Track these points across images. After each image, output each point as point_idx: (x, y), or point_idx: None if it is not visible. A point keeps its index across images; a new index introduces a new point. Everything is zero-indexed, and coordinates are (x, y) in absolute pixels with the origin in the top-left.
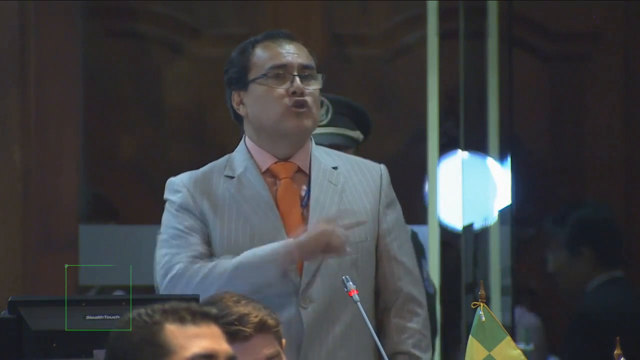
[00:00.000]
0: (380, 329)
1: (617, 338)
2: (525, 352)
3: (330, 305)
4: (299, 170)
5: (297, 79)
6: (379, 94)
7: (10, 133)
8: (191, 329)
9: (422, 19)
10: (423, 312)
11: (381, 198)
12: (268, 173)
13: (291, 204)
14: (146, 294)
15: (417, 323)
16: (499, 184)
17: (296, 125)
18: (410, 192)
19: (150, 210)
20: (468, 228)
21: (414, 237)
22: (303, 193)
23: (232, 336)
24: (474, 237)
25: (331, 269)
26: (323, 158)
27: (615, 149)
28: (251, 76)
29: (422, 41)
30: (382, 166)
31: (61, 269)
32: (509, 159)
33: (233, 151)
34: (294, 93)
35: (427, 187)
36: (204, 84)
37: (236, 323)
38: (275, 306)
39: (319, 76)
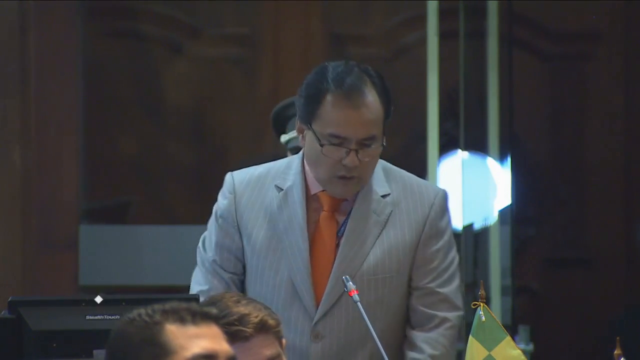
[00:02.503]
0: (406, 342)
1: (617, 338)
2: (525, 352)
3: (345, 342)
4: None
5: (353, 153)
6: None
7: (10, 133)
8: (191, 329)
9: (422, 19)
10: (454, 331)
11: (424, 230)
12: (315, 197)
13: (326, 236)
14: (146, 294)
15: (445, 337)
16: (499, 184)
17: (341, 192)
18: None
19: (151, 210)
20: (468, 228)
21: None
22: (342, 220)
23: (232, 336)
24: (474, 237)
25: (351, 308)
26: (376, 183)
27: (615, 149)
28: (314, 125)
29: (422, 41)
30: (439, 194)
31: (61, 269)
32: (509, 159)
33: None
34: (345, 165)
35: None
36: (204, 84)
37: (236, 323)
38: (292, 334)
39: (382, 138)
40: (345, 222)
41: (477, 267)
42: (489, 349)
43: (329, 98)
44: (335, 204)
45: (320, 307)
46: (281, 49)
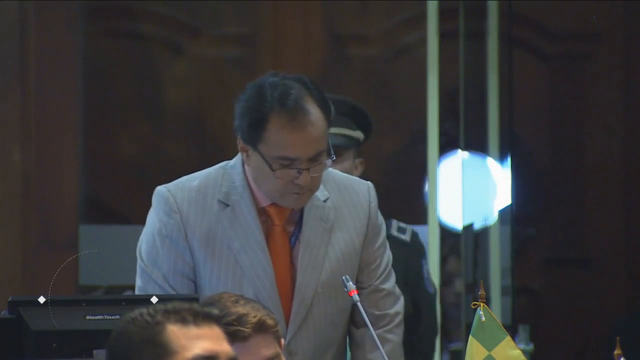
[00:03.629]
0: (353, 341)
1: (617, 338)
2: (525, 352)
3: (315, 350)
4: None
5: (305, 172)
6: (379, 94)
7: (10, 133)
8: (193, 330)
9: (422, 19)
10: (402, 324)
11: (367, 232)
12: (262, 211)
13: (281, 250)
14: (146, 294)
15: (395, 334)
16: (499, 184)
17: (295, 204)
18: (410, 192)
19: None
20: (468, 228)
21: (414, 237)
22: (291, 230)
23: (231, 336)
24: (474, 237)
25: (317, 319)
26: None
27: (615, 149)
28: (261, 148)
29: (422, 41)
30: (370, 189)
31: (61, 269)
32: (509, 159)
33: (231, 158)
34: (297, 184)
35: (427, 187)
36: (204, 84)
37: (235, 323)
38: None
39: (329, 149)
40: (295, 232)
41: (477, 267)
42: (489, 349)
43: (273, 121)
44: (284, 216)
45: (290, 326)
46: (281, 49)
